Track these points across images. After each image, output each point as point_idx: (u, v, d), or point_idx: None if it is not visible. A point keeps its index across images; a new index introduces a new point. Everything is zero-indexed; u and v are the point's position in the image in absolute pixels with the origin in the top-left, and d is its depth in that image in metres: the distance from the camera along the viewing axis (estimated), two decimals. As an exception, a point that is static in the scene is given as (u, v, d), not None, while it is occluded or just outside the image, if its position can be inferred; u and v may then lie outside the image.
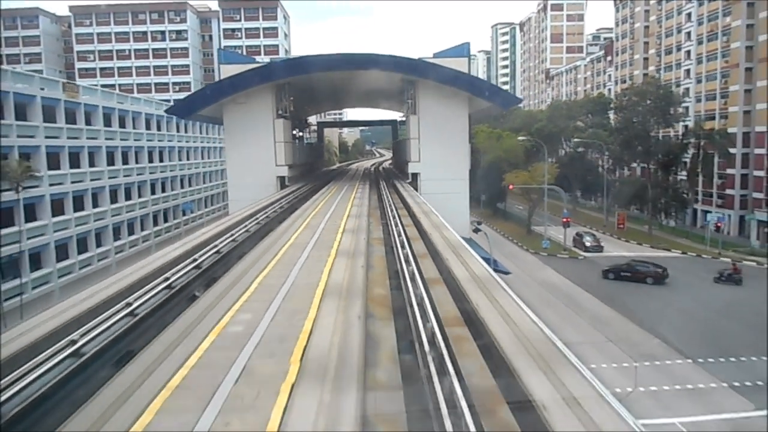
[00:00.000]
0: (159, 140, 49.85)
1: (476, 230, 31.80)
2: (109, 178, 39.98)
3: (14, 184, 27.40)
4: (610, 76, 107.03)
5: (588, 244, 51.69)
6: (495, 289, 8.95)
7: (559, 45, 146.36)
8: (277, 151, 32.72)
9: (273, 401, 5.07)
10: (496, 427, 5.22)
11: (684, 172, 65.11)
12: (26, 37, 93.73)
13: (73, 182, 35.18)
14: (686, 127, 66.87)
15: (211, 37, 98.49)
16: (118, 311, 8.40)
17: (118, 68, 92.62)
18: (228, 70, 31.70)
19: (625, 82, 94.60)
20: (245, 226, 17.14)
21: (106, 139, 39.72)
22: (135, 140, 44.72)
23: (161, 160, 49.93)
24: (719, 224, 51.84)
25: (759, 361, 25.51)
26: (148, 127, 47.41)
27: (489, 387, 6.03)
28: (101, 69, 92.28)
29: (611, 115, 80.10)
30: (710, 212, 59.21)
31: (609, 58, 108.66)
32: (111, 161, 40.41)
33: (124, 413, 5.08)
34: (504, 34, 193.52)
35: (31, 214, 31.60)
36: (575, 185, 78.18)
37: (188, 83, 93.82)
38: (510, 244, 56.29)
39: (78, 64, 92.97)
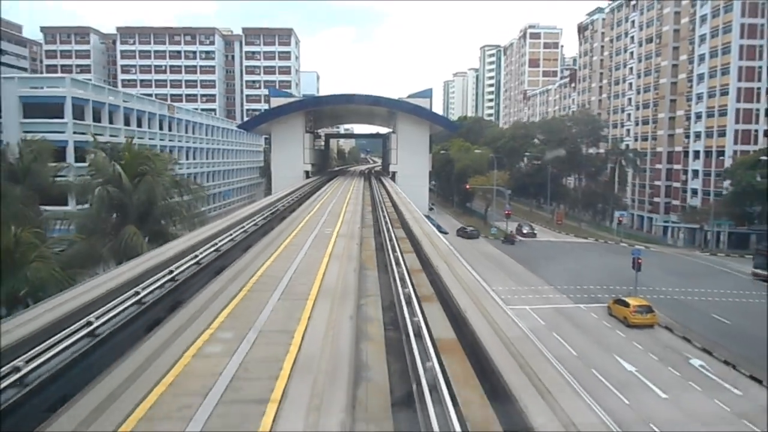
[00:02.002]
0: (213, 144, 67.55)
1: (431, 209, 49.46)
2: (186, 168, 57.35)
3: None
4: (573, 99, 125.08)
5: (525, 231, 69.48)
6: (422, 222, 25.21)
7: (536, 69, 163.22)
8: (304, 154, 50.20)
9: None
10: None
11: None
12: (78, 51, 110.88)
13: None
14: (627, 146, 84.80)
15: (233, 57, 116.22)
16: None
17: (155, 80, 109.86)
18: (275, 102, 49.37)
19: (584, 105, 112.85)
20: (305, 188, 35.12)
21: (186, 139, 57.57)
22: (198, 143, 62.43)
23: (213, 158, 67.54)
24: (620, 219, 69.54)
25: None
26: (206, 133, 65.13)
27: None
28: (141, 81, 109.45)
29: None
30: (619, 213, 77.09)
31: (573, 84, 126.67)
32: (186, 157, 57.90)
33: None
34: (491, 55, 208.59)
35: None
36: (533, 192, 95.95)
37: (213, 95, 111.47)
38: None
39: (121, 76, 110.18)
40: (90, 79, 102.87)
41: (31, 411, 5.60)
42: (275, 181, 49.89)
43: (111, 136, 37.75)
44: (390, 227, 17.91)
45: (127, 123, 43.65)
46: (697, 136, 75.56)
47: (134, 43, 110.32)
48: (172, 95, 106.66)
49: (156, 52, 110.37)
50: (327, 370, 5.78)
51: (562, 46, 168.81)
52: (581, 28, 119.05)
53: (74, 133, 33.89)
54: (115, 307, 7.81)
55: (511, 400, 4.99)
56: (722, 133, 71.77)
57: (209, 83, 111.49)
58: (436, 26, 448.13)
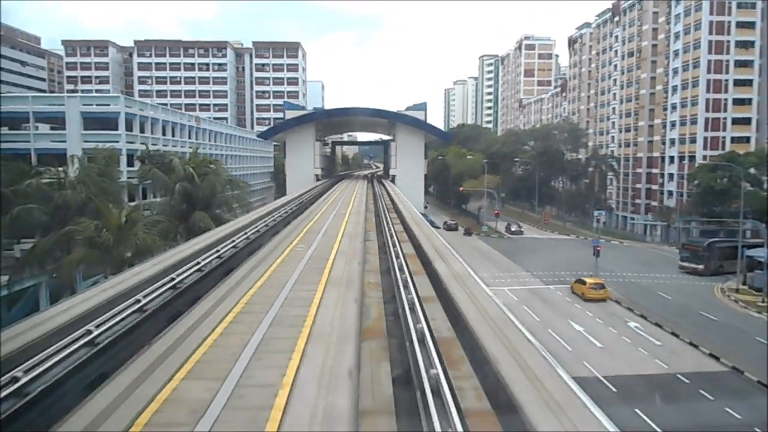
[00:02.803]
0: (231, 151, 75.11)
1: (425, 207, 56.75)
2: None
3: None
4: (564, 108, 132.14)
5: (513, 229, 76.65)
6: (411, 210, 32.39)
7: (531, 79, 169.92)
8: (314, 160, 57.35)
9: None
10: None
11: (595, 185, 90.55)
12: (98, 63, 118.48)
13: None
14: (612, 151, 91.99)
15: (244, 68, 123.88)
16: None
17: (171, 91, 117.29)
18: (290, 114, 56.71)
19: (574, 114, 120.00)
20: (318, 188, 42.31)
21: (209, 147, 65.18)
22: (220, 150, 69.92)
23: (232, 164, 74.80)
24: (599, 218, 76.41)
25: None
26: (225, 141, 72.64)
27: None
28: (157, 91, 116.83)
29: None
30: (597, 213, 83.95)
31: (564, 93, 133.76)
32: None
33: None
34: (489, 65, 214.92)
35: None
36: (525, 195, 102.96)
37: (225, 105, 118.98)
38: (462, 230, 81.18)
39: (138, 87, 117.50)
40: (109, 89, 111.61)
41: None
42: (290, 183, 56.88)
43: (152, 144, 45.05)
44: (387, 212, 25.07)
45: (163, 133, 51.06)
46: (672, 142, 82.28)
47: (150, 56, 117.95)
48: (186, 105, 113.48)
49: (171, 64, 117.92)
50: (352, 257, 12.94)
51: (557, 56, 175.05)
52: (571, 41, 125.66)
53: (126, 142, 41.27)
54: (226, 246, 15.07)
55: (450, 298, 12.06)
56: (693, 140, 78.59)
57: (221, 93, 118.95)
58: (435, 31, 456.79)
